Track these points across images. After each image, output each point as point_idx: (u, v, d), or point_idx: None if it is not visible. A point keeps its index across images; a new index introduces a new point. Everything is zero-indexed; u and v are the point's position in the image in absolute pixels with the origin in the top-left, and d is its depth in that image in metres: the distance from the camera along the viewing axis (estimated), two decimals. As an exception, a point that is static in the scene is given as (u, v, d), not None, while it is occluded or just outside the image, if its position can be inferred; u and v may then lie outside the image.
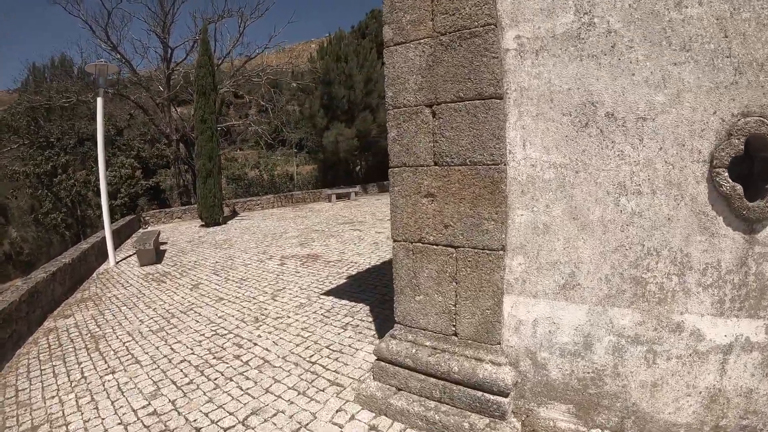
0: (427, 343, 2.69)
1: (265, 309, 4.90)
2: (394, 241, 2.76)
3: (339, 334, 4.06)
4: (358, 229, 10.33)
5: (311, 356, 3.65)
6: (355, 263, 6.88)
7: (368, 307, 4.74)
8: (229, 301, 5.28)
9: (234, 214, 15.09)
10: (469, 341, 2.58)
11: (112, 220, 15.16)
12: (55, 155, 17.03)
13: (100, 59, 7.91)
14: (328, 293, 5.33)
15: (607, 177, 2.26)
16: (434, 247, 2.59)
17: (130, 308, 5.28)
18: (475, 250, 2.45)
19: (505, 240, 2.43)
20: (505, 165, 2.38)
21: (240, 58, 19.63)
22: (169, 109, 17.88)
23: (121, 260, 8.36)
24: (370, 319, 4.38)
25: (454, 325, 2.62)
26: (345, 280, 5.89)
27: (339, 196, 17.83)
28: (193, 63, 14.61)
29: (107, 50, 16.68)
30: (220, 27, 28.82)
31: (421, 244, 2.65)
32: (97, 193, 16.84)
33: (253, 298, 5.36)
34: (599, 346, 2.35)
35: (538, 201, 2.38)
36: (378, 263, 6.81)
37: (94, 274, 7.34)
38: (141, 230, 12.87)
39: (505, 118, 2.37)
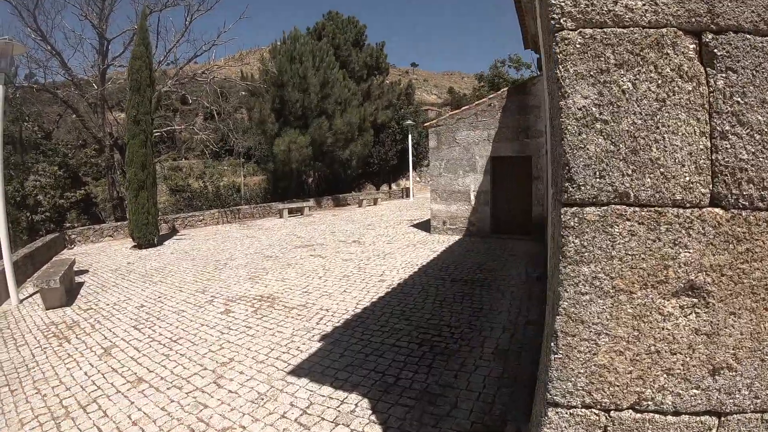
0: None
1: (205, 408, 3.12)
2: (552, 404, 1.18)
3: (333, 475, 2.40)
4: (319, 255, 8.63)
5: None
6: (327, 310, 5.21)
7: (366, 400, 3.13)
8: (152, 387, 3.45)
9: (173, 231, 12.84)
10: None
11: (34, 237, 12.39)
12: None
13: (4, 37, 5.87)
14: (298, 371, 3.64)
15: None
16: (671, 418, 1.06)
17: (13, 392, 3.46)
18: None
19: None
20: None
21: (185, 59, 17.39)
22: (104, 109, 15.41)
23: (28, 297, 6.34)
24: (378, 430, 2.76)
25: None
26: (319, 344, 4.21)
27: (291, 211, 15.95)
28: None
29: (36, 40, 14.15)
30: (163, 19, 26.03)
31: (634, 414, 1.09)
32: (16, 206, 13.88)
33: (187, 380, 3.55)
34: None
35: None
36: (357, 310, 5.18)
37: (-11, 320, 5.31)
38: (66, 250, 10.46)
39: None
